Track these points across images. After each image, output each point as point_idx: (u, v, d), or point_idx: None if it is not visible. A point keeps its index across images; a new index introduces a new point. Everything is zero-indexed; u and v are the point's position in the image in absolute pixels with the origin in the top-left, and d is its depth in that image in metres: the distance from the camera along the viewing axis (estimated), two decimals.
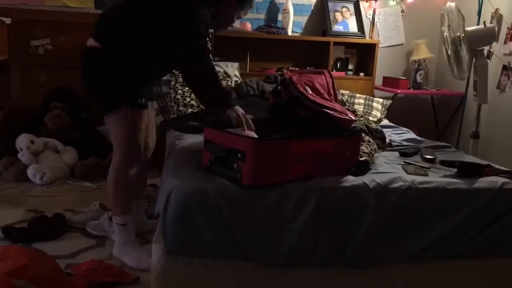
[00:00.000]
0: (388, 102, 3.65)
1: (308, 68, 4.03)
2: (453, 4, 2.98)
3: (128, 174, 2.17)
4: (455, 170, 2.03)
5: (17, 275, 1.59)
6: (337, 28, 4.08)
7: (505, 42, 3.46)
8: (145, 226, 2.46)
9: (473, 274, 1.93)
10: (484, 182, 1.92)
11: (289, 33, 3.98)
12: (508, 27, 3.44)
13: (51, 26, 3.75)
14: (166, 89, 3.32)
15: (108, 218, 2.41)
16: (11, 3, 3.72)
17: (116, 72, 2.02)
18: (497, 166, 2.11)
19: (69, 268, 2.05)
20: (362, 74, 4.15)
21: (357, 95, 3.67)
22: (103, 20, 2.08)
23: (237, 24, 4.02)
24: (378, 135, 2.50)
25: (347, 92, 3.70)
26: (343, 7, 4.13)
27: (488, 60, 3.34)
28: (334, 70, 4.13)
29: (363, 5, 4.19)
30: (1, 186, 3.21)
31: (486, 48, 3.21)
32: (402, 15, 4.30)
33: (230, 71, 3.52)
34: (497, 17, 3.52)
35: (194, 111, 3.11)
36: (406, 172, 1.97)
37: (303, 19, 4.19)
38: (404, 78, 4.07)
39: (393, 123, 3.34)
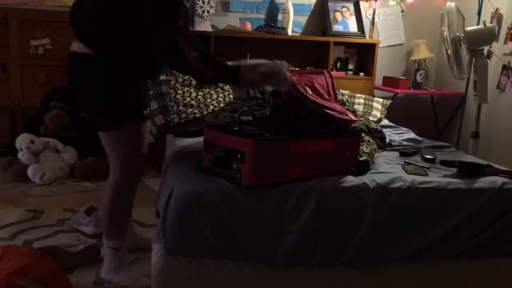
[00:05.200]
0: (388, 102, 3.65)
1: (308, 68, 4.03)
2: (453, 4, 2.98)
3: (129, 195, 1.98)
4: (455, 170, 2.03)
5: (21, 274, 1.59)
6: (337, 28, 4.08)
7: (505, 42, 3.46)
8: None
9: (473, 274, 1.93)
10: (484, 182, 1.92)
11: (289, 33, 3.98)
12: (508, 27, 3.44)
13: (51, 26, 3.75)
14: (166, 89, 3.32)
15: (84, 211, 2.38)
16: (11, 3, 3.72)
17: (117, 83, 1.78)
18: (497, 166, 2.11)
19: None
20: (362, 74, 4.15)
21: (357, 95, 3.67)
22: (87, 20, 1.77)
23: (237, 24, 4.02)
24: (378, 135, 2.50)
25: (347, 92, 3.70)
26: (343, 7, 4.13)
27: (488, 60, 3.34)
28: (334, 70, 4.13)
29: (363, 5, 4.19)
30: (1, 186, 3.21)
31: (486, 48, 3.21)
32: (402, 15, 4.30)
33: None
34: (497, 17, 3.52)
35: (197, 114, 3.11)
36: (406, 172, 1.97)
37: (303, 19, 4.19)
38: (404, 78, 4.07)
39: (393, 123, 3.34)
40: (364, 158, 1.96)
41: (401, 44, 4.35)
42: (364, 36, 4.10)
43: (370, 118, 3.10)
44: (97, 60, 1.75)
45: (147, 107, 1.93)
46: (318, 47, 4.06)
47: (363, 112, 3.34)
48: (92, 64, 1.77)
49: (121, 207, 1.97)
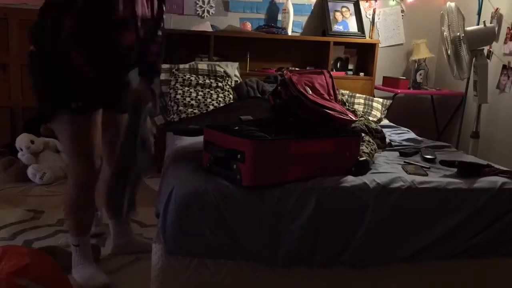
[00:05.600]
0: (388, 102, 3.65)
1: (308, 68, 4.04)
2: (453, 4, 2.98)
3: (82, 195, 1.96)
4: (455, 170, 2.03)
5: (21, 274, 1.59)
6: (337, 28, 4.08)
7: (505, 42, 3.46)
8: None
9: (473, 274, 1.93)
10: (484, 182, 1.92)
11: (289, 33, 3.98)
12: (508, 27, 3.44)
13: None
14: (166, 89, 3.33)
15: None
16: (11, 3, 3.72)
17: (46, 74, 1.82)
18: (497, 166, 2.11)
19: None
20: (362, 74, 4.15)
21: (357, 95, 3.67)
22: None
23: (237, 24, 4.02)
24: (378, 135, 2.50)
25: (347, 92, 3.70)
26: (343, 7, 4.13)
27: (488, 60, 3.34)
28: (334, 70, 4.13)
29: (363, 5, 4.19)
30: (1, 186, 3.21)
31: (486, 48, 3.21)
32: (402, 15, 4.30)
33: (230, 71, 3.53)
34: (497, 17, 3.52)
35: (197, 114, 3.12)
36: (406, 172, 1.97)
37: (303, 19, 4.19)
38: (404, 78, 4.07)
39: (393, 123, 3.34)
40: (364, 158, 1.96)
41: (401, 44, 4.35)
42: (364, 36, 4.10)
43: (370, 118, 3.10)
44: (35, 54, 1.85)
45: (82, 101, 1.83)
46: (318, 47, 4.06)
47: (363, 112, 3.34)
48: (32, 59, 1.87)
49: (72, 202, 1.98)
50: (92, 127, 1.90)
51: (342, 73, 4.12)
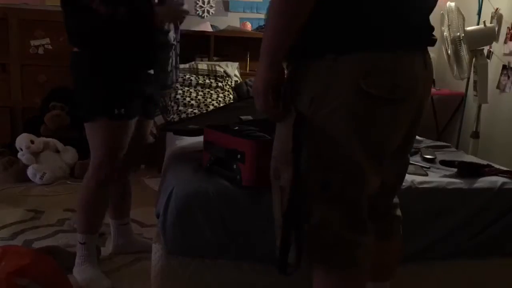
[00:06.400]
0: None
1: None
2: (453, 4, 2.98)
3: (99, 192, 1.97)
4: (455, 170, 2.03)
5: (21, 274, 1.59)
6: None
7: (505, 42, 3.46)
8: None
9: (473, 274, 1.93)
10: (484, 182, 1.92)
11: None
12: (508, 27, 3.44)
13: (51, 26, 3.75)
14: None
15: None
16: (11, 3, 3.73)
17: (91, 78, 1.84)
18: (497, 166, 2.11)
19: None
20: None
21: None
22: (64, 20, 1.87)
23: (237, 24, 4.02)
24: None
25: None
26: None
27: (488, 60, 3.34)
28: None
29: None
30: (1, 186, 3.21)
31: (486, 48, 3.21)
32: None
33: (230, 71, 3.53)
34: (497, 17, 3.52)
35: (197, 114, 3.12)
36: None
37: None
38: None
39: None
40: None
41: None
42: None
43: None
44: (80, 56, 1.85)
45: (124, 108, 1.85)
46: None
47: None
48: (76, 60, 1.87)
49: (87, 201, 1.97)
50: (127, 133, 1.92)
51: None
